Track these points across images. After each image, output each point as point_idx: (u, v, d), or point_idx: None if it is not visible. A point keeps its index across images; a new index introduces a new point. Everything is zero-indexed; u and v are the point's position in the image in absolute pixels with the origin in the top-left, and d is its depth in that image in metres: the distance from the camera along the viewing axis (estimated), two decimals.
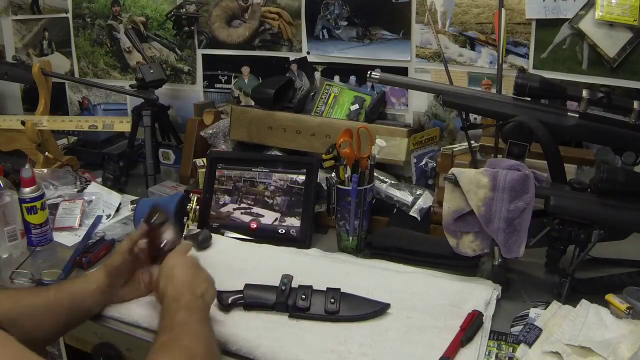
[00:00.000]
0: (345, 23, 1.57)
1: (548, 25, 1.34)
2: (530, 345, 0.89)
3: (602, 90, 1.06)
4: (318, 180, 1.31)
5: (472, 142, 1.26)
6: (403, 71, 1.53)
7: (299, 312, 0.98)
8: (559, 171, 1.08)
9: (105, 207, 1.44)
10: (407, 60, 1.53)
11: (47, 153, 1.60)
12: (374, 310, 0.98)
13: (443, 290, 1.06)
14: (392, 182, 1.39)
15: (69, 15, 1.95)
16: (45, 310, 0.88)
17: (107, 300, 0.98)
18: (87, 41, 1.95)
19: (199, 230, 1.28)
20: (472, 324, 0.93)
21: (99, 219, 1.39)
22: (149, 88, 1.63)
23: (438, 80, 1.40)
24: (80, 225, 1.36)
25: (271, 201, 1.31)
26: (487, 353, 0.90)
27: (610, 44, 1.28)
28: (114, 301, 0.99)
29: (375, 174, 1.26)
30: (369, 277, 1.11)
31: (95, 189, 1.50)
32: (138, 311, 0.99)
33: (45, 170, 1.52)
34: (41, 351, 0.90)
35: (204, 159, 1.47)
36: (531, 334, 0.90)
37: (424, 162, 1.44)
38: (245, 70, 1.75)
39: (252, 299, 0.99)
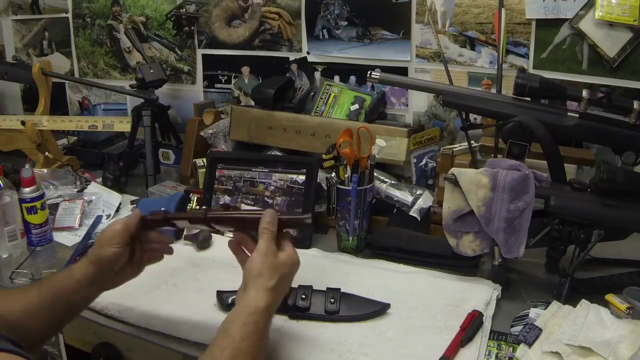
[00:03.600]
0: (345, 23, 1.57)
1: (548, 25, 1.34)
2: (530, 345, 0.89)
3: (602, 90, 1.06)
4: (318, 180, 1.31)
5: (472, 142, 1.26)
6: (403, 71, 1.53)
7: (299, 312, 0.98)
8: (559, 171, 1.08)
9: (105, 207, 1.44)
10: (407, 60, 1.53)
11: (47, 153, 1.60)
12: (374, 310, 0.98)
13: (443, 290, 1.06)
14: (392, 182, 1.39)
15: (69, 15, 1.95)
16: (28, 312, 0.81)
17: (94, 294, 0.89)
18: (87, 41, 1.95)
19: (199, 230, 1.28)
20: (472, 324, 0.93)
21: (99, 219, 1.39)
22: (149, 88, 1.63)
23: (438, 80, 1.40)
24: (80, 225, 1.36)
25: (271, 201, 1.31)
26: (487, 353, 0.90)
27: (610, 44, 1.28)
28: (105, 290, 0.91)
29: (375, 174, 1.26)
30: (369, 277, 1.11)
31: (95, 189, 1.50)
32: (138, 311, 0.99)
33: (45, 170, 1.52)
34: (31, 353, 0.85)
35: (204, 159, 1.47)
36: (531, 334, 0.90)
37: (424, 162, 1.44)
38: (245, 70, 1.75)
39: None
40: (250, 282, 0.81)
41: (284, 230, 0.86)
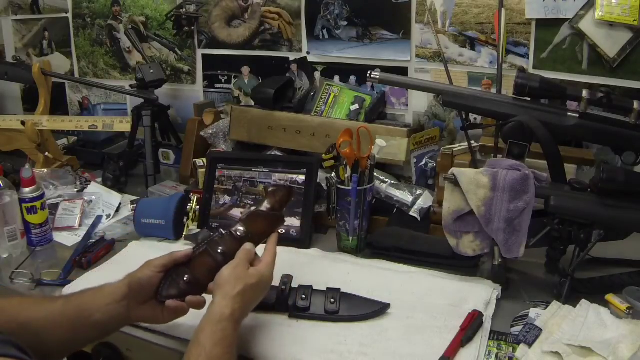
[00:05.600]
0: (345, 23, 1.56)
1: (548, 25, 1.34)
2: (530, 345, 0.89)
3: (602, 90, 1.06)
4: (318, 180, 1.31)
5: (472, 142, 1.26)
6: (403, 71, 1.53)
7: (299, 312, 0.98)
8: (559, 171, 1.08)
9: (105, 207, 1.44)
10: (407, 60, 1.53)
11: (47, 153, 1.61)
12: (374, 310, 0.98)
13: (443, 290, 1.06)
14: (392, 182, 1.39)
15: (69, 15, 1.95)
16: (49, 322, 0.81)
17: (123, 317, 0.86)
18: (87, 41, 1.95)
19: (199, 230, 1.28)
20: (472, 324, 0.93)
21: (99, 219, 1.39)
22: (149, 88, 1.63)
23: (438, 80, 1.40)
24: (80, 225, 1.36)
25: None
26: (487, 353, 0.90)
27: (610, 44, 1.28)
28: (131, 319, 0.88)
29: (375, 174, 1.26)
30: (369, 277, 1.11)
31: (95, 189, 1.50)
32: None
33: (45, 170, 1.52)
34: None
35: (204, 159, 1.47)
36: (531, 334, 0.90)
37: (424, 162, 1.44)
38: (245, 70, 1.75)
39: None
40: (217, 290, 0.83)
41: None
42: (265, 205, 0.97)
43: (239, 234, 0.92)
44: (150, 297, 0.88)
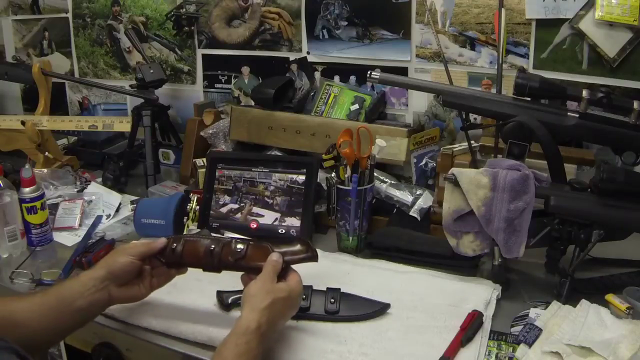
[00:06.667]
0: (345, 23, 1.56)
1: (548, 25, 1.34)
2: (530, 345, 0.89)
3: (602, 90, 1.06)
4: (318, 180, 1.31)
5: (472, 142, 1.26)
6: (403, 71, 1.53)
7: (299, 312, 0.97)
8: (559, 171, 1.08)
9: (105, 207, 1.44)
10: (407, 60, 1.53)
11: (47, 153, 1.61)
12: (374, 310, 0.98)
13: (443, 290, 1.06)
14: (392, 182, 1.39)
15: (69, 15, 1.95)
16: (34, 314, 0.83)
17: (104, 300, 0.89)
18: (87, 41, 1.95)
19: (199, 230, 1.28)
20: (472, 324, 0.93)
21: (99, 219, 1.39)
22: (149, 88, 1.63)
23: (438, 80, 1.40)
24: (80, 225, 1.36)
25: (271, 201, 1.31)
26: (487, 353, 0.90)
27: (610, 44, 1.28)
28: (111, 302, 0.91)
29: (375, 174, 1.26)
30: (369, 277, 1.11)
31: (95, 189, 1.50)
32: (138, 311, 0.99)
33: (45, 170, 1.52)
34: (37, 357, 0.83)
35: (204, 159, 1.47)
36: (531, 334, 0.90)
37: (424, 162, 1.44)
38: (245, 70, 1.75)
39: None
40: (246, 303, 0.84)
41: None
42: (284, 249, 0.93)
43: (237, 249, 0.91)
44: (128, 280, 0.92)
